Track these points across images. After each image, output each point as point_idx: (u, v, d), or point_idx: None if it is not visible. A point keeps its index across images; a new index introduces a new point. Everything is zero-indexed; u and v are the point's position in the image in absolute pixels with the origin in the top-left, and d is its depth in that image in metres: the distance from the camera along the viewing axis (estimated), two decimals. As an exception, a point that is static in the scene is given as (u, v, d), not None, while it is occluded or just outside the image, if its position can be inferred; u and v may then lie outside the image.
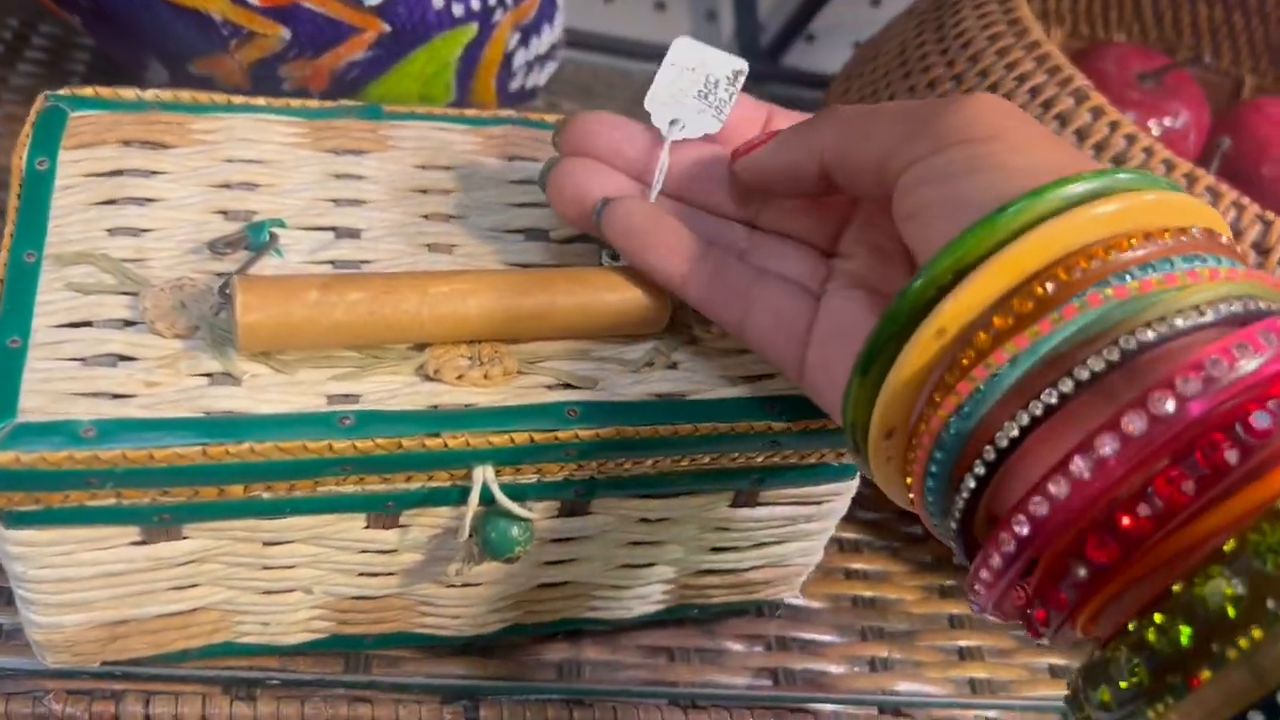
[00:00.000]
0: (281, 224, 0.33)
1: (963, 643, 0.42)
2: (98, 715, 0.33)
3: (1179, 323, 0.21)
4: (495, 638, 0.37)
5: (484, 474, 0.30)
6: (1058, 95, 0.42)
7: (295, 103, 0.37)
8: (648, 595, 0.37)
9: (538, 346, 0.32)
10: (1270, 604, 0.19)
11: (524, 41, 0.51)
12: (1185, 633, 0.20)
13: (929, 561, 0.44)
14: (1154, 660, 0.20)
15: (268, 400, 0.29)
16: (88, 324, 0.29)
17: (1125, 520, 0.21)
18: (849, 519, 0.45)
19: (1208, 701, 0.19)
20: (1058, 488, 0.21)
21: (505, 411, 0.30)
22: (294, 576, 0.33)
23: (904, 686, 0.40)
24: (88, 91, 0.35)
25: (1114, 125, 0.41)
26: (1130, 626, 0.21)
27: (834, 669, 0.39)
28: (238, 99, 0.36)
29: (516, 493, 0.31)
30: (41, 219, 0.31)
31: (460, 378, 0.30)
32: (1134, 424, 0.20)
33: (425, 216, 0.35)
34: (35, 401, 0.27)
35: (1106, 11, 0.63)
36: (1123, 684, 0.21)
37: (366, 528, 0.31)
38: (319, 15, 0.43)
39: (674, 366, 0.32)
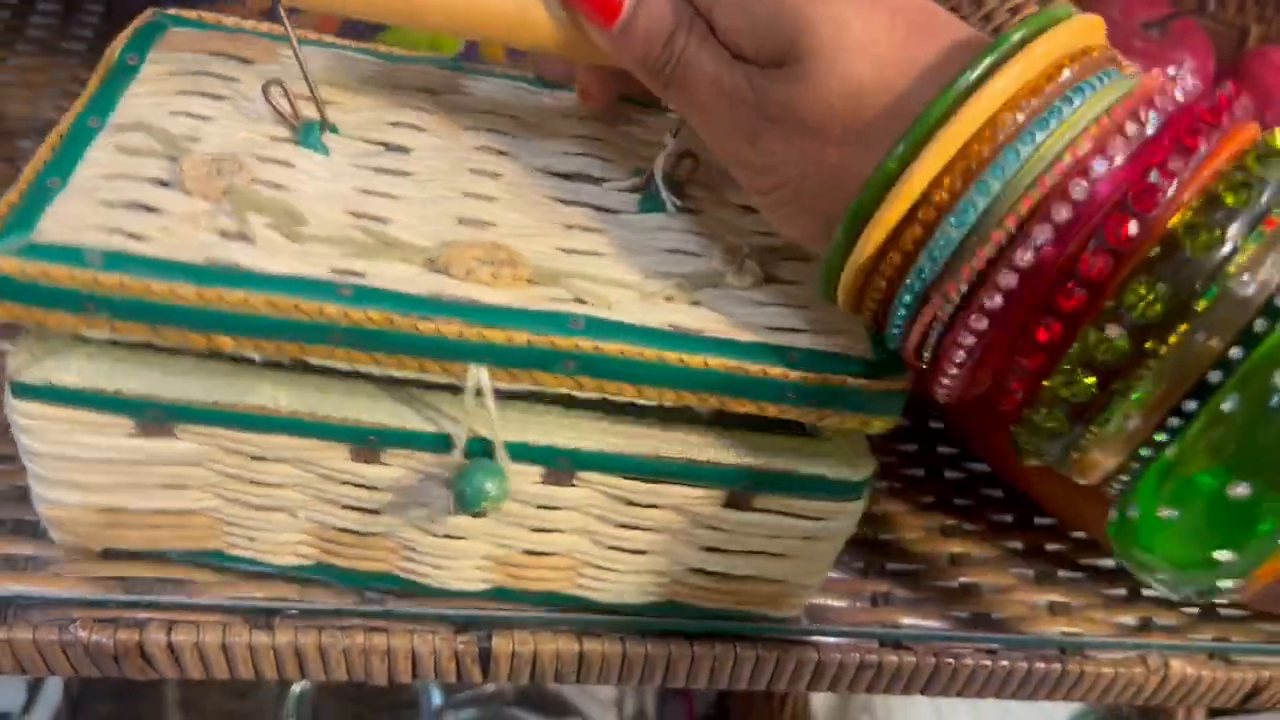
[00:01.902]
0: (335, 130, 0.34)
1: (963, 579, 0.43)
2: (122, 643, 0.34)
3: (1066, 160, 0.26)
4: (484, 597, 0.37)
5: (479, 374, 0.30)
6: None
7: (383, 48, 0.38)
8: (638, 584, 0.37)
9: (559, 264, 0.32)
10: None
11: None
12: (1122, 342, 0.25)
13: (930, 502, 0.45)
14: (1100, 369, 0.25)
15: (275, 262, 0.29)
16: (125, 177, 0.31)
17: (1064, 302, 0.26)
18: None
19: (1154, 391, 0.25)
20: (1006, 278, 0.26)
21: (507, 311, 0.30)
22: (280, 496, 0.34)
23: (905, 620, 0.40)
24: (192, 14, 0.37)
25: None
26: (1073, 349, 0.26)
27: (836, 603, 0.40)
28: (329, 38, 0.38)
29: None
30: (113, 99, 0.33)
31: (469, 274, 0.30)
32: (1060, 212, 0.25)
33: (477, 149, 0.36)
34: (54, 226, 0.29)
35: (1113, -39, 0.62)
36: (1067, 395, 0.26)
37: (350, 460, 0.32)
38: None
39: (696, 304, 0.32)
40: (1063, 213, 0.25)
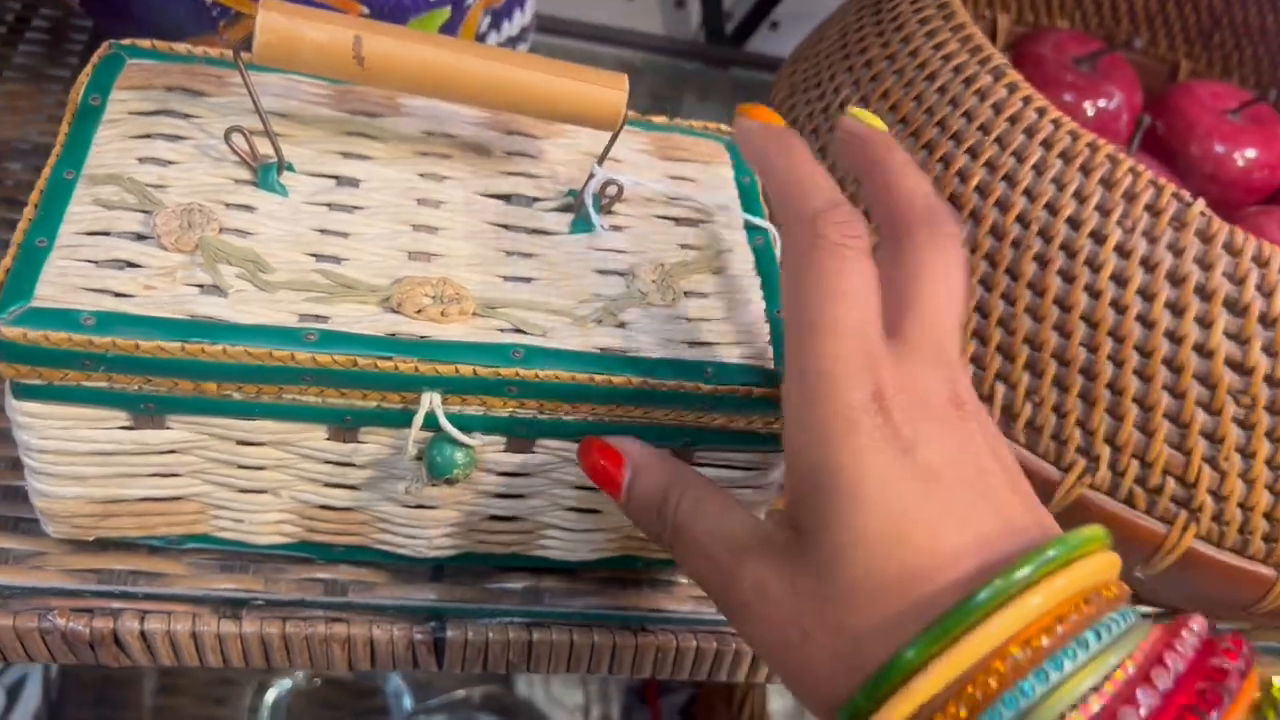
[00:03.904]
0: (291, 168, 0.37)
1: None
2: (97, 630, 0.36)
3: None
4: (452, 563, 0.40)
5: (431, 399, 0.33)
6: (991, 85, 0.44)
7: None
8: (594, 540, 0.40)
9: (500, 294, 0.35)
10: None
11: (495, 25, 0.54)
12: None
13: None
14: None
15: (246, 312, 0.32)
16: (105, 234, 0.33)
17: None
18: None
19: None
20: None
21: (455, 346, 0.33)
22: (264, 478, 0.36)
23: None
24: (146, 44, 0.40)
25: (1041, 111, 0.42)
26: None
27: (773, 599, 0.43)
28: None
29: (463, 422, 0.34)
30: (85, 145, 0.36)
31: (419, 312, 0.34)
32: None
33: (421, 175, 0.38)
34: (49, 291, 0.32)
35: (1050, -2, 0.66)
36: None
37: (328, 439, 0.35)
38: (302, -2, 0.47)
39: (622, 325, 0.36)
40: None
